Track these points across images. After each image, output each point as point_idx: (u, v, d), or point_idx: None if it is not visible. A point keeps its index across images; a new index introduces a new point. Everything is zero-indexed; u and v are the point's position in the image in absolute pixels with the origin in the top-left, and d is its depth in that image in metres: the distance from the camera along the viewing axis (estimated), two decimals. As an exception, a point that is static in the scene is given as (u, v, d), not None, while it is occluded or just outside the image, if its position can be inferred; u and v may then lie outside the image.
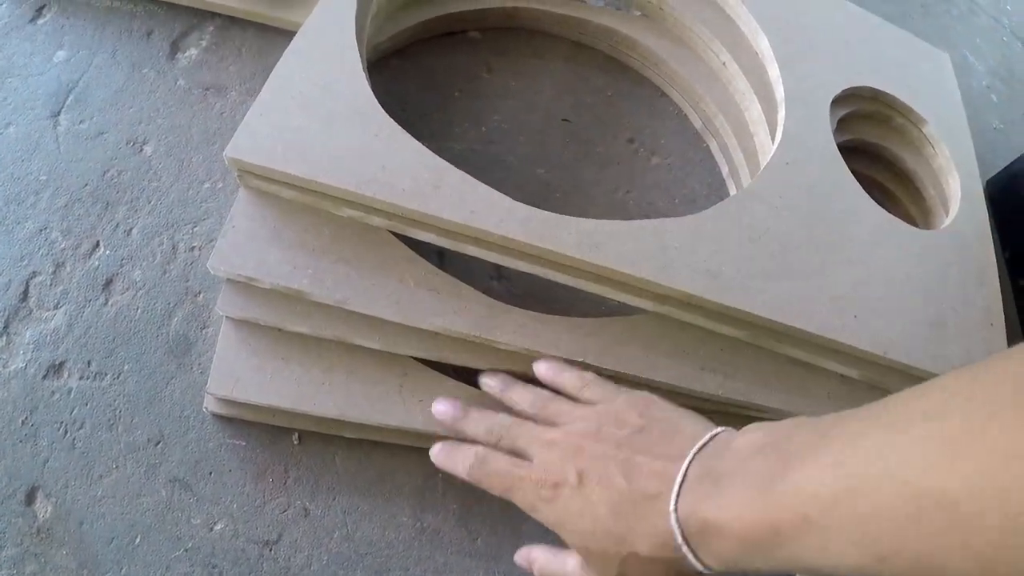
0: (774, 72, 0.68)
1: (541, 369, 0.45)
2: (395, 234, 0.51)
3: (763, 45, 0.70)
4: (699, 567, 0.30)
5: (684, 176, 0.72)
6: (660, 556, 0.31)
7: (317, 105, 0.50)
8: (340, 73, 0.52)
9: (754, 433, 0.31)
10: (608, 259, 0.49)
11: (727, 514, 0.29)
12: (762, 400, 0.55)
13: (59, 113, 0.65)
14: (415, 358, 0.53)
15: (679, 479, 0.31)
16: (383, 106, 0.52)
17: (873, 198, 0.77)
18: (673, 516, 0.30)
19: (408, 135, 0.50)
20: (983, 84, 1.03)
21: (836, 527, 0.25)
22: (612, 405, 0.38)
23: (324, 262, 0.50)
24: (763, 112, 0.68)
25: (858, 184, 0.62)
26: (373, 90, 0.53)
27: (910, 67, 0.78)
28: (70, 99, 0.66)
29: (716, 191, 0.71)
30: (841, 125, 0.71)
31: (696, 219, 0.54)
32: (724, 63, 0.74)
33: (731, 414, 0.58)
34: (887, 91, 0.73)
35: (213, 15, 0.72)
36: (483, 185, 0.49)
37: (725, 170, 0.72)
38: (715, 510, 0.29)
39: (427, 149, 0.49)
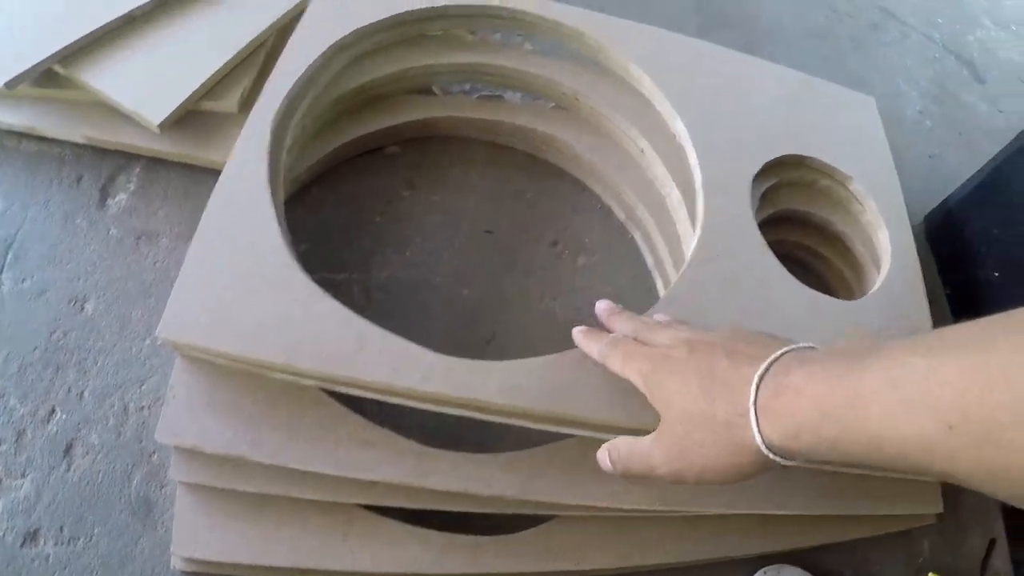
0: (692, 157, 0.71)
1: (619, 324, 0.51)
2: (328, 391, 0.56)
3: (679, 128, 0.74)
4: (757, 438, 0.34)
5: (610, 273, 0.74)
6: (733, 421, 0.35)
7: (239, 275, 0.53)
8: (258, 238, 0.55)
9: (849, 339, 0.42)
10: (531, 400, 0.52)
11: (808, 378, 0.33)
12: (699, 507, 0.58)
13: (1, 271, 0.68)
14: (360, 504, 0.57)
15: (772, 358, 0.36)
16: (307, 240, 0.55)
17: (806, 264, 0.79)
18: (755, 380, 0.35)
19: (328, 297, 0.54)
20: (916, 110, 1.04)
21: (912, 392, 0.28)
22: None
23: (262, 426, 0.54)
24: (683, 198, 0.72)
25: (783, 268, 0.65)
26: (296, 225, 0.59)
27: (833, 122, 0.83)
28: (9, 256, 0.70)
29: (642, 284, 0.74)
30: (767, 196, 0.76)
31: None
32: (642, 149, 0.76)
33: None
34: (809, 154, 0.77)
35: (138, 156, 0.75)
36: (403, 341, 0.53)
37: (650, 261, 0.74)
38: (797, 376, 0.34)
39: (347, 309, 0.53)
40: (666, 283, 0.73)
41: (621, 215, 0.79)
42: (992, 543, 0.77)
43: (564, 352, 0.55)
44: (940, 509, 0.67)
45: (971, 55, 1.11)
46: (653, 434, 0.42)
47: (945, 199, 0.91)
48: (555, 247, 0.76)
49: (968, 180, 0.91)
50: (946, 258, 0.92)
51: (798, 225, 0.80)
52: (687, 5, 1.02)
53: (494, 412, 0.53)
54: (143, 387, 0.65)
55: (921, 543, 0.74)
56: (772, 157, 0.73)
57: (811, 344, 0.38)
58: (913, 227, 0.95)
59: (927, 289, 0.82)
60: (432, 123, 0.80)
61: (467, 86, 0.84)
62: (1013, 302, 0.84)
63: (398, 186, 0.78)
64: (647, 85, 0.76)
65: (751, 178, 0.70)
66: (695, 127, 0.72)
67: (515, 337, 0.70)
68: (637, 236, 0.78)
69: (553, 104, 0.82)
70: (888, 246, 0.74)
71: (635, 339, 0.46)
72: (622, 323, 0.50)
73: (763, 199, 0.74)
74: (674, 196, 0.73)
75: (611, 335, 0.48)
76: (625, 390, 0.52)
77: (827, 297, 0.66)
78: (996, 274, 0.85)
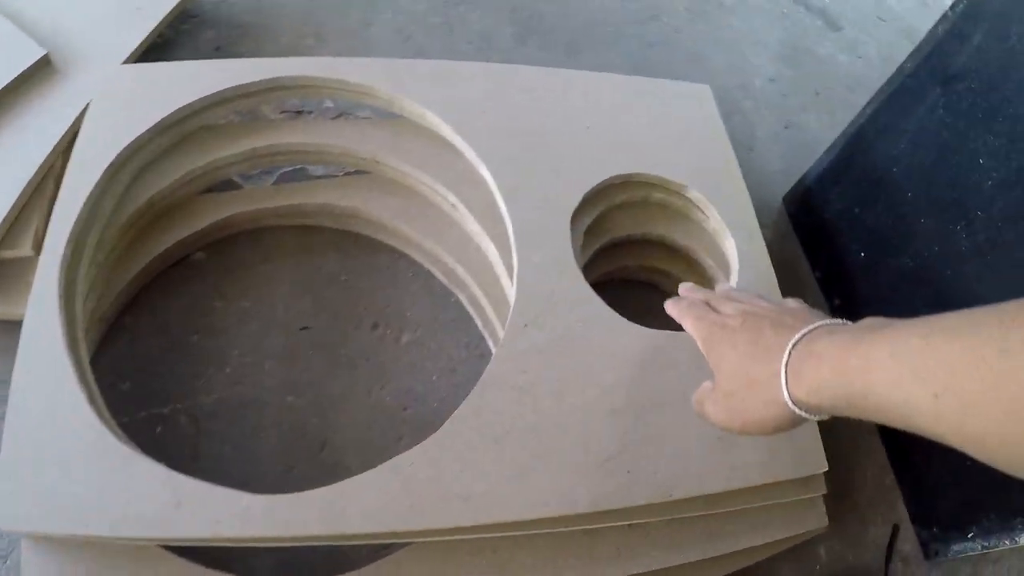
0: (501, 205, 0.67)
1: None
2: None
3: (485, 174, 0.69)
4: (785, 394, 0.40)
5: (439, 346, 0.71)
6: (769, 380, 0.42)
7: (53, 450, 0.51)
8: (65, 408, 0.52)
9: (870, 319, 0.40)
10: (354, 524, 0.49)
11: (830, 346, 0.38)
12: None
13: None
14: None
15: (806, 329, 0.41)
16: (128, 377, 0.57)
17: (656, 285, 0.74)
18: (789, 346, 0.41)
19: (143, 456, 0.51)
20: (767, 78, 0.99)
21: (907, 365, 0.33)
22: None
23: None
24: (500, 252, 0.68)
25: (611, 312, 0.62)
26: (114, 364, 0.57)
27: (663, 126, 0.78)
28: None
29: (475, 349, 0.71)
30: (597, 226, 0.71)
31: (437, 439, 0.54)
32: (454, 204, 0.73)
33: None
34: (637, 170, 0.73)
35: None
36: (221, 489, 0.50)
37: (479, 323, 0.71)
38: (822, 344, 0.39)
39: (161, 467, 0.50)
40: (498, 343, 0.70)
41: (442, 278, 0.75)
42: (895, 529, 0.76)
43: (380, 467, 0.52)
44: (825, 524, 0.64)
45: (822, 2, 1.05)
46: (709, 387, 0.49)
47: (802, 177, 0.87)
48: (376, 330, 0.72)
49: (823, 156, 0.86)
50: (810, 239, 0.88)
51: (639, 246, 0.76)
52: (501, 17, 0.97)
53: (325, 539, 0.51)
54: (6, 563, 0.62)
55: (816, 549, 0.72)
56: (592, 185, 0.69)
57: (843, 320, 0.43)
58: (775, 209, 0.92)
59: (795, 271, 0.79)
60: (233, 220, 0.76)
61: (266, 172, 0.80)
62: (881, 282, 0.81)
63: (209, 298, 0.74)
64: (447, 132, 0.71)
65: (570, 215, 0.66)
66: (503, 170, 0.67)
67: (348, 438, 0.67)
68: (462, 298, 0.74)
69: (355, 171, 0.77)
70: (735, 252, 0.70)
71: (707, 304, 0.52)
72: (699, 293, 0.56)
73: (592, 230, 0.70)
74: (492, 251, 0.69)
75: (689, 299, 0.55)
76: (458, 494, 0.51)
77: (664, 332, 0.62)
78: (862, 255, 0.82)
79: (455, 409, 0.67)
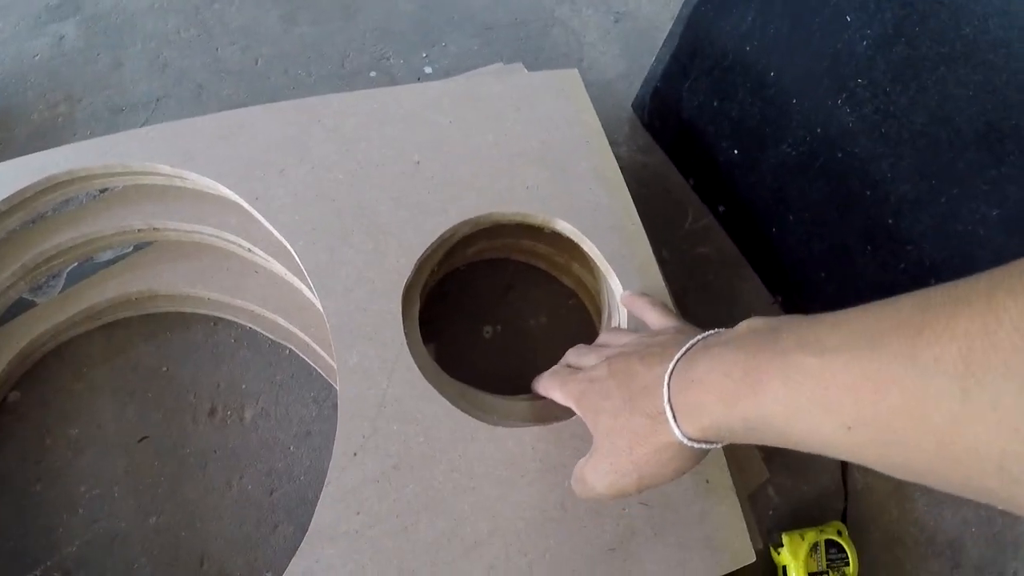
0: (316, 299, 0.56)
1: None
2: None
3: (292, 252, 0.58)
4: (677, 433, 0.36)
5: (285, 411, 0.65)
6: (654, 422, 0.37)
7: None
8: None
9: (751, 322, 0.36)
10: None
11: (710, 371, 0.34)
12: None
13: None
14: None
15: (680, 353, 0.37)
16: None
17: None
18: (666, 379, 0.37)
19: None
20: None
21: (808, 395, 0.29)
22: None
23: None
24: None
25: (460, 413, 0.51)
26: None
27: (512, 137, 0.63)
28: None
29: (324, 402, 0.65)
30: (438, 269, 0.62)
31: None
32: (249, 249, 0.65)
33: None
34: (485, 209, 0.58)
35: None
36: None
37: (320, 371, 0.64)
38: (701, 369, 0.35)
39: None
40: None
41: (266, 334, 0.67)
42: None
43: None
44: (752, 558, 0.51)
45: None
46: (586, 457, 0.44)
47: (646, 78, 0.77)
48: (215, 415, 0.66)
49: (662, 48, 0.76)
50: (674, 146, 0.78)
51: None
52: (261, 1, 0.84)
53: None
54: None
55: (766, 492, 0.67)
56: (428, 245, 0.56)
57: (717, 329, 0.39)
58: (625, 120, 0.81)
59: (666, 185, 0.70)
60: (33, 346, 0.68)
61: (53, 276, 0.71)
62: (765, 178, 0.72)
63: (37, 439, 0.67)
64: (244, 205, 0.60)
65: (401, 290, 0.54)
66: (312, 246, 0.55)
67: (223, 542, 0.62)
68: (293, 348, 0.67)
69: (130, 248, 0.69)
70: (618, 294, 0.57)
71: (568, 366, 0.49)
72: (566, 356, 0.52)
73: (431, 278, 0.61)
74: (312, 306, 0.60)
75: (550, 369, 0.51)
76: None
77: (531, 429, 0.51)
78: (735, 152, 0.73)
79: (322, 477, 0.60)
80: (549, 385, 0.49)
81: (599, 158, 0.63)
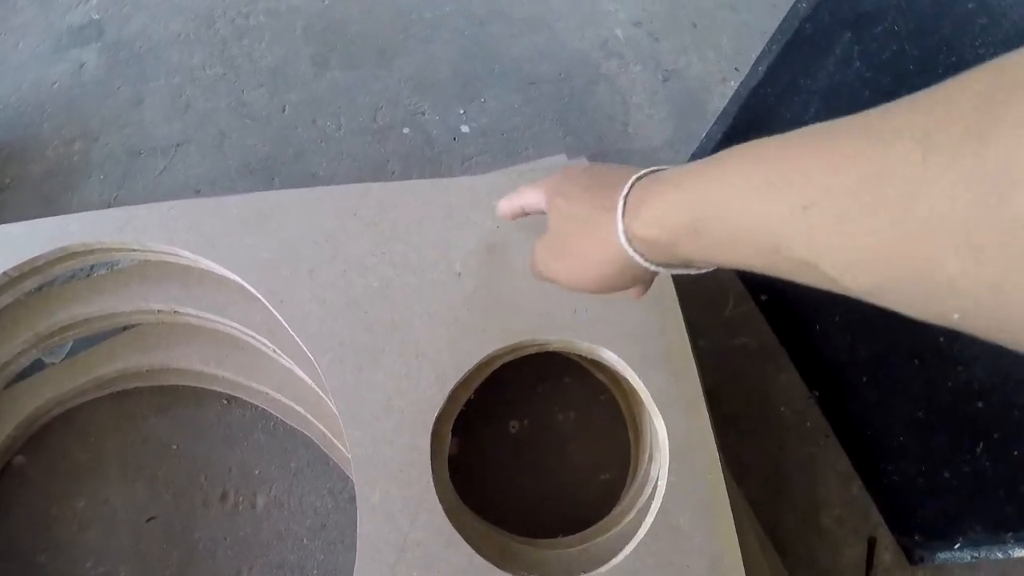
0: (344, 433, 0.53)
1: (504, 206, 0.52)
2: None
3: (317, 368, 0.55)
4: (619, 225, 0.36)
5: (299, 501, 0.65)
6: (603, 215, 0.38)
7: None
8: None
9: None
10: None
11: (677, 173, 0.34)
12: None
13: None
14: None
15: (657, 168, 0.37)
16: None
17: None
18: (632, 179, 0.37)
19: None
20: (632, 23, 0.87)
21: (765, 175, 0.28)
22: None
23: None
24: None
25: (481, 560, 0.49)
26: None
27: None
28: None
29: (340, 494, 0.66)
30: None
31: None
32: (274, 351, 0.64)
33: None
34: (527, 336, 0.56)
35: None
36: None
37: (337, 460, 0.64)
38: (668, 173, 0.35)
39: None
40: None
41: (282, 417, 0.67)
42: (872, 543, 0.71)
43: None
44: None
45: None
46: (545, 236, 0.45)
47: (694, 153, 0.74)
48: (227, 501, 0.65)
49: (714, 125, 0.74)
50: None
51: None
52: (291, 40, 0.81)
53: None
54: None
55: None
56: (464, 372, 0.54)
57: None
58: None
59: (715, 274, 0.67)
60: (40, 411, 0.68)
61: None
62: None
63: (43, 507, 0.68)
64: (268, 306, 0.57)
65: (431, 426, 0.52)
66: (339, 366, 0.53)
67: None
68: (310, 436, 0.66)
69: (126, 327, 0.68)
70: (664, 433, 0.54)
71: None
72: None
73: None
74: (330, 402, 0.58)
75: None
76: None
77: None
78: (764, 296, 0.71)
79: (336, 572, 0.59)
80: (524, 189, 0.49)
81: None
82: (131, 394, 0.69)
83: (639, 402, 0.63)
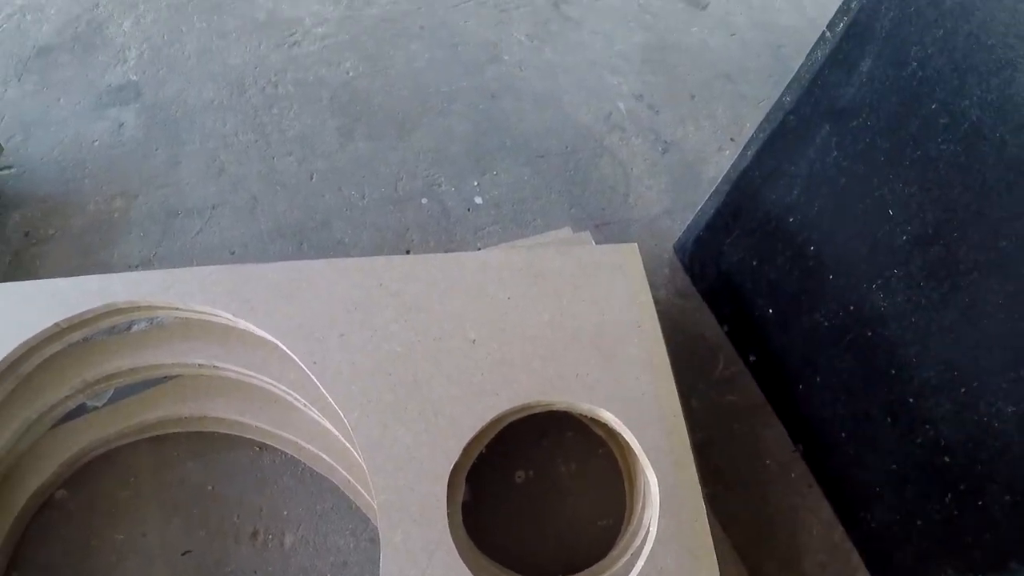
0: (368, 476, 0.61)
1: None
2: None
3: (346, 422, 0.64)
4: None
5: (324, 540, 0.73)
6: None
7: None
8: None
9: None
10: None
11: None
12: None
13: None
14: None
15: None
16: None
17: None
18: None
19: None
20: (633, 96, 0.97)
21: None
22: None
23: None
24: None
25: None
26: None
27: (569, 315, 0.69)
28: None
29: (362, 535, 0.74)
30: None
31: None
32: (306, 405, 0.73)
33: None
34: (535, 397, 0.65)
35: None
36: None
37: (359, 504, 0.72)
38: None
39: None
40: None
41: (310, 464, 0.75)
42: None
43: None
44: None
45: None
46: None
47: (690, 224, 0.83)
48: (257, 538, 0.73)
49: (708, 201, 0.84)
50: (711, 293, 0.86)
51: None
52: (319, 110, 0.91)
53: None
54: None
55: None
56: (478, 429, 0.63)
57: None
58: (666, 261, 0.88)
59: (700, 328, 0.75)
60: (83, 452, 0.76)
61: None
62: (796, 339, 0.79)
63: (83, 538, 0.75)
64: (306, 370, 0.66)
65: (447, 475, 0.60)
66: (366, 420, 0.62)
67: None
68: (335, 481, 0.74)
69: (166, 377, 0.77)
70: (656, 487, 0.63)
71: None
72: None
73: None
74: (353, 452, 0.66)
75: None
76: None
77: None
78: (770, 311, 0.80)
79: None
80: None
81: (650, 343, 0.69)
82: (169, 438, 0.77)
83: (634, 456, 0.72)
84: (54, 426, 0.75)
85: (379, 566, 0.59)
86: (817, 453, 0.82)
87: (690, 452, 0.64)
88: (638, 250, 0.73)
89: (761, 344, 0.84)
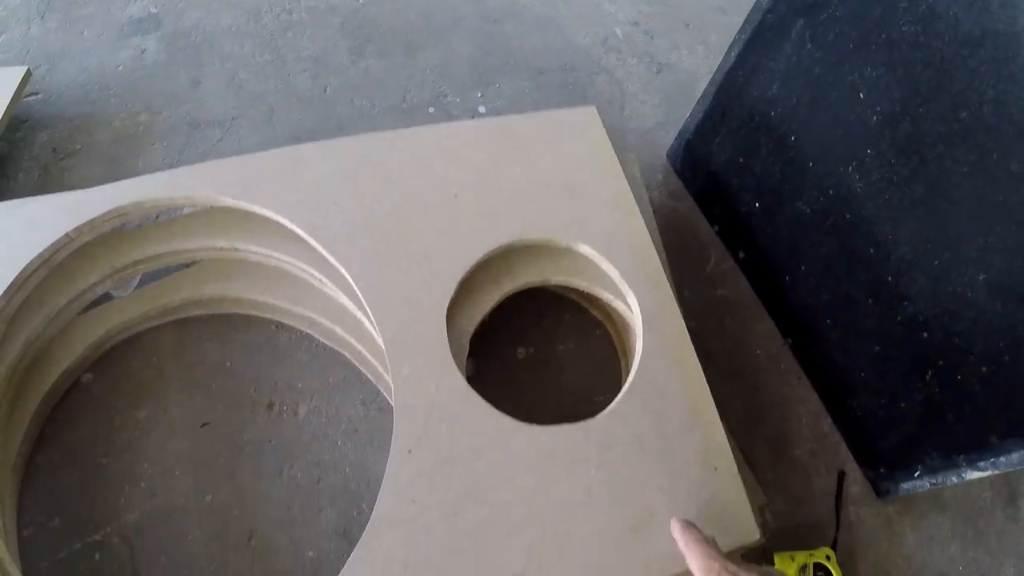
0: (370, 315, 0.68)
1: None
2: None
3: (346, 276, 0.70)
4: None
5: (336, 410, 0.77)
6: None
7: None
8: None
9: None
10: None
11: None
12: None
13: None
14: None
15: None
16: (56, 512, 0.64)
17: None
18: None
19: None
20: (630, 22, 1.03)
21: None
22: None
23: None
24: (373, 330, 0.70)
25: (498, 414, 0.63)
26: (40, 504, 0.64)
27: (538, 169, 0.78)
28: None
29: (372, 404, 0.78)
30: (483, 293, 0.73)
31: None
32: (321, 280, 0.76)
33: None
34: (516, 235, 0.72)
35: None
36: None
37: (370, 376, 0.77)
38: None
39: None
40: (390, 392, 0.75)
41: (323, 340, 0.80)
42: (841, 476, 0.82)
43: None
44: (756, 536, 0.64)
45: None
46: None
47: (681, 130, 0.89)
48: (272, 409, 0.78)
49: (697, 105, 0.89)
50: (702, 194, 0.91)
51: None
52: (331, 33, 0.97)
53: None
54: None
55: (762, 516, 0.76)
56: (468, 268, 0.69)
57: None
58: (660, 168, 0.94)
59: (693, 230, 0.80)
60: (108, 335, 0.81)
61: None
62: (780, 230, 0.84)
63: (107, 417, 0.79)
64: (302, 234, 0.72)
65: (445, 308, 0.67)
66: (364, 271, 0.68)
67: (271, 522, 0.73)
68: (347, 355, 0.79)
69: (189, 264, 0.82)
70: (638, 309, 0.69)
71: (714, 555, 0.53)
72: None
73: (477, 300, 0.72)
74: (365, 322, 0.72)
75: (697, 536, 0.55)
76: None
77: (558, 428, 0.64)
78: (756, 205, 0.85)
79: (366, 470, 0.72)
80: (693, 548, 0.54)
81: (615, 187, 0.76)
82: (190, 322, 0.82)
83: (628, 331, 0.77)
84: (82, 312, 0.80)
85: (392, 406, 0.64)
86: (804, 344, 0.86)
87: (663, 276, 0.70)
88: (596, 112, 0.80)
89: (749, 240, 0.88)
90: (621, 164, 0.78)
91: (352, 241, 0.70)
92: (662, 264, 0.73)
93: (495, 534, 0.58)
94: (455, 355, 0.65)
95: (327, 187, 0.73)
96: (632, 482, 0.61)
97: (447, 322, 0.67)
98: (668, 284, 0.70)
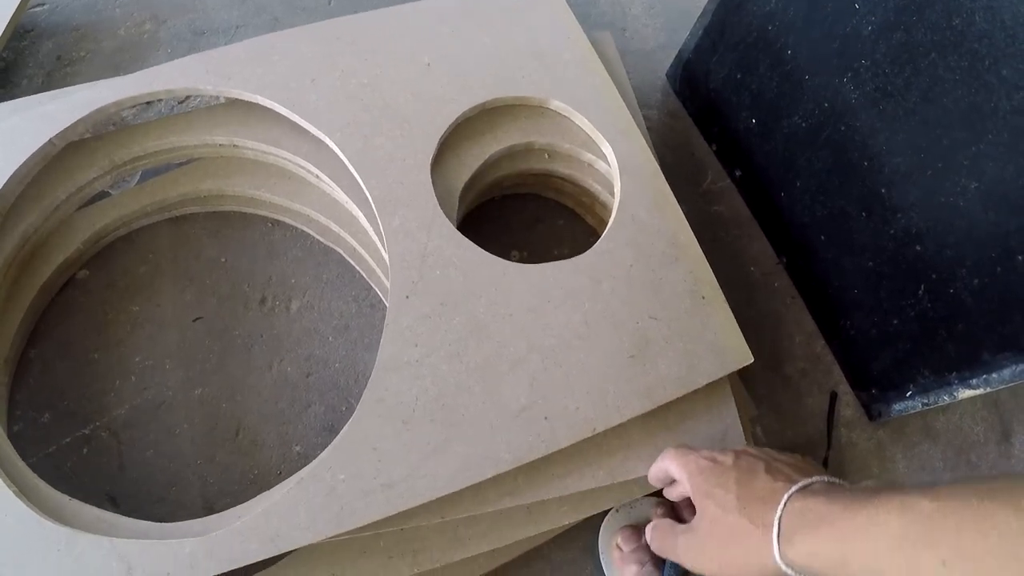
0: (357, 177, 0.70)
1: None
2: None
3: (331, 145, 0.72)
4: (775, 550, 0.41)
5: (328, 306, 0.77)
6: (757, 530, 0.43)
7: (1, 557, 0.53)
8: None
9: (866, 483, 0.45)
10: (291, 540, 0.53)
11: (830, 503, 0.40)
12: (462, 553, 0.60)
13: None
14: None
15: (805, 482, 0.44)
16: (46, 407, 0.65)
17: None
18: (784, 498, 0.42)
19: (80, 533, 0.53)
20: None
21: (915, 529, 0.36)
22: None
23: None
24: (368, 218, 0.72)
25: (489, 256, 0.66)
26: (32, 398, 0.65)
27: (507, 39, 0.80)
28: None
29: (364, 301, 0.78)
30: (467, 154, 0.75)
31: (347, 436, 0.57)
32: (317, 176, 0.76)
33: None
34: (489, 96, 0.75)
35: None
36: (163, 544, 0.53)
37: (363, 273, 0.77)
38: (821, 501, 0.41)
39: (104, 538, 0.53)
40: (385, 292, 0.76)
41: (318, 237, 0.80)
42: (834, 396, 0.82)
43: (301, 479, 0.55)
44: (750, 359, 0.67)
45: None
46: (686, 526, 0.51)
47: (680, 50, 0.90)
48: (265, 304, 0.78)
49: (696, 23, 0.89)
50: (700, 113, 0.91)
51: (521, 156, 0.79)
52: None
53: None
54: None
55: (753, 430, 0.78)
56: (446, 127, 0.72)
57: (840, 481, 0.45)
58: (660, 88, 0.95)
59: (691, 149, 0.81)
60: (105, 230, 0.82)
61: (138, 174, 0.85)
62: (777, 147, 0.85)
63: (100, 313, 0.80)
64: (283, 111, 0.74)
65: (429, 165, 0.69)
66: (348, 138, 0.70)
67: (260, 416, 0.73)
68: (342, 252, 0.80)
69: (188, 160, 0.82)
70: (614, 157, 0.73)
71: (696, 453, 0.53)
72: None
73: (464, 161, 0.74)
74: (360, 216, 0.73)
75: (684, 449, 0.55)
76: (383, 484, 0.54)
77: (549, 265, 0.66)
78: (753, 121, 0.85)
79: (355, 366, 0.73)
80: (669, 455, 0.54)
81: (580, 51, 0.79)
82: (187, 219, 0.82)
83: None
84: (80, 208, 0.80)
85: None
86: (799, 262, 0.86)
87: (634, 126, 0.73)
88: None
89: (746, 157, 0.88)
90: (595, 44, 0.81)
91: (333, 112, 0.72)
92: (633, 117, 0.76)
93: (499, 368, 0.59)
94: (446, 211, 0.67)
95: (304, 67, 0.75)
96: (625, 312, 0.63)
97: (435, 181, 0.69)
98: (640, 132, 0.73)
